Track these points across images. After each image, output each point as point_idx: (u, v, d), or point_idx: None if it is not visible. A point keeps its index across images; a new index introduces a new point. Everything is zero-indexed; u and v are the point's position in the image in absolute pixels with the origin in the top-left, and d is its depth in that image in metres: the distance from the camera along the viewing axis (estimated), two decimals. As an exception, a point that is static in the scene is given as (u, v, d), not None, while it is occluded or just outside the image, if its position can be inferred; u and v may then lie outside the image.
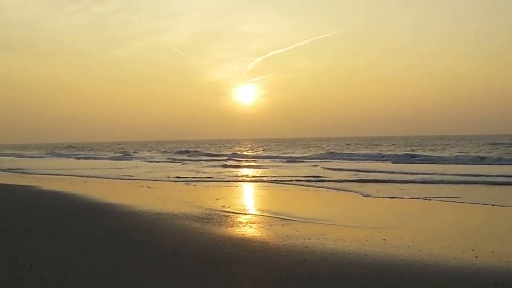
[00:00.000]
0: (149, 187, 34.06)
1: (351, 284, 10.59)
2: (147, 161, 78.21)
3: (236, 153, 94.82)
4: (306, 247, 14.10)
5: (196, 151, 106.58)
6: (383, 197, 25.68)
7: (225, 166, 58.12)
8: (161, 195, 28.98)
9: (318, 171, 45.85)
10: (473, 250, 13.20)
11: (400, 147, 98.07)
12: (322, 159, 68.55)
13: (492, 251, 13.13)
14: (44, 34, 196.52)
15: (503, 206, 21.66)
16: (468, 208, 21.72)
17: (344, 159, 65.27)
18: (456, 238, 15.16)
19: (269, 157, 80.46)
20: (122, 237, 15.98)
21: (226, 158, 79.20)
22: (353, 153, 76.27)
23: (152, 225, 18.46)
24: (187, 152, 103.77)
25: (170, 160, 78.91)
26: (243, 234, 16.51)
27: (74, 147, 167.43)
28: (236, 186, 34.80)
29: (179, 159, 79.36)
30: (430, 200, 24.30)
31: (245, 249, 14.18)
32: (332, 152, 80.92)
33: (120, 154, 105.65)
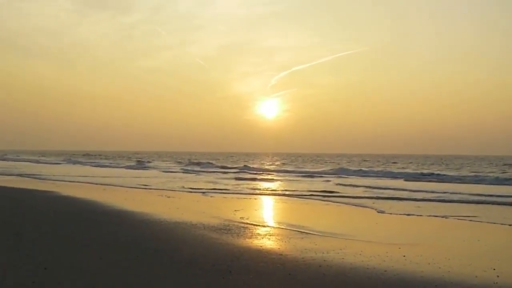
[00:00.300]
0: (168, 197, 34.01)
1: (369, 299, 10.42)
2: (162, 171, 78.26)
3: (247, 166, 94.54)
4: (324, 260, 13.93)
5: (209, 162, 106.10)
6: (399, 214, 25.38)
7: (238, 178, 57.87)
8: (179, 204, 28.91)
9: (331, 186, 45.64)
10: (494, 269, 12.96)
11: (416, 165, 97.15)
12: (334, 174, 68.17)
13: (514, 271, 12.89)
14: (70, 42, 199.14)
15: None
16: (487, 227, 21.41)
17: (353, 175, 64.83)
18: (476, 257, 14.92)
19: (284, 171, 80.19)
20: (138, 245, 15.89)
21: (237, 171, 78.61)
22: (363, 170, 75.68)
23: (169, 234, 18.38)
24: (199, 163, 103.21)
25: (183, 170, 78.59)
26: (261, 246, 16.38)
27: (92, 154, 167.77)
28: (255, 199, 34.65)
29: (194, 170, 79.08)
30: (447, 218, 23.98)
31: (262, 261, 14.04)
32: (342, 168, 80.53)
33: (134, 163, 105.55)
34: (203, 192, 37.70)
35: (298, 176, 65.82)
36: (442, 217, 24.28)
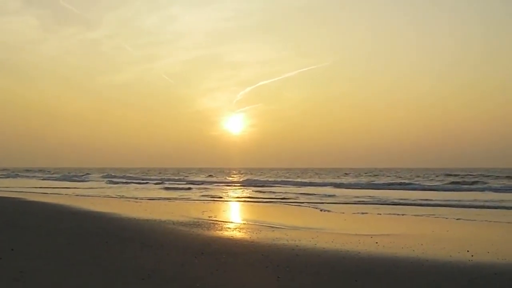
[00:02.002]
0: (136, 201, 33.69)
1: (347, 272, 10.32)
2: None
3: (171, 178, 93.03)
4: (297, 246, 13.82)
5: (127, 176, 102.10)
6: (344, 213, 25.20)
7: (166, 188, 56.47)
8: (147, 207, 28.59)
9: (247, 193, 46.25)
10: (468, 251, 12.97)
11: (366, 177, 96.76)
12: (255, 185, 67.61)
13: (488, 252, 12.90)
14: (35, 58, 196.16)
15: (482, 221, 21.42)
16: (448, 221, 21.31)
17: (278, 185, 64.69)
18: (449, 242, 14.91)
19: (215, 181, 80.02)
20: (108, 233, 15.70)
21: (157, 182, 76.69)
22: (302, 181, 75.67)
23: (139, 227, 18.13)
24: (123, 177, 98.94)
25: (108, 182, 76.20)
26: (232, 236, 16.21)
27: (48, 170, 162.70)
28: (219, 202, 34.40)
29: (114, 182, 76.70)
30: (404, 215, 23.97)
31: (234, 245, 13.89)
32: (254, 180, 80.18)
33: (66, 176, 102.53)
34: (164, 199, 37.36)
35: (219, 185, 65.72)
36: (401, 214, 24.23)
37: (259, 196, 41.11)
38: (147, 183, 72.63)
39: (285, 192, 45.93)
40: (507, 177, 75.02)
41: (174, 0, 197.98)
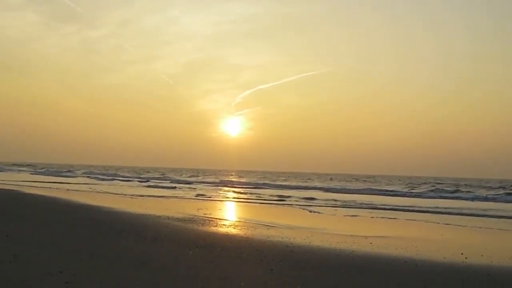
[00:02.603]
0: (132, 197, 33.69)
1: (341, 268, 10.34)
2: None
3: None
4: (291, 243, 13.82)
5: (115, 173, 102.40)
6: (333, 215, 25.26)
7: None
8: (142, 203, 28.59)
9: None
10: (461, 253, 12.97)
11: (359, 182, 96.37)
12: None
13: (481, 255, 12.92)
14: (35, 54, 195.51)
15: (473, 227, 21.42)
16: (439, 226, 21.28)
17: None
18: (443, 245, 14.92)
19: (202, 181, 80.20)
20: (103, 226, 15.66)
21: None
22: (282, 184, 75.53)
23: (133, 221, 18.14)
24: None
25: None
26: (226, 232, 16.23)
27: (21, 164, 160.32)
28: (214, 201, 34.39)
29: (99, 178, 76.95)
30: (396, 219, 23.97)
31: (229, 240, 13.91)
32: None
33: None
34: (163, 197, 37.32)
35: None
36: (393, 218, 24.22)
37: (237, 196, 41.40)
38: (131, 180, 72.71)
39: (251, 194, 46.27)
40: (486, 187, 74.98)
41: (175, 2, 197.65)
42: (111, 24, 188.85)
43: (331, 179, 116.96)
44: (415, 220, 24.04)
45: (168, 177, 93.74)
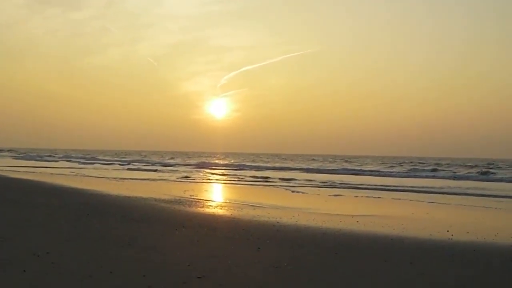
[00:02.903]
0: (116, 180, 33.55)
1: (328, 246, 10.36)
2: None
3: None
4: (278, 222, 13.82)
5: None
6: (315, 194, 25.23)
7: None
8: (128, 185, 28.50)
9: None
10: (448, 231, 13.01)
11: (345, 163, 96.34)
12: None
13: (467, 232, 12.97)
14: (19, 37, 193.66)
15: (458, 205, 21.54)
16: (424, 205, 21.32)
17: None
18: (429, 223, 14.97)
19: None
20: (89, 208, 15.57)
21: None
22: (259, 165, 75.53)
23: (119, 203, 18.09)
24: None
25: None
26: (213, 213, 16.23)
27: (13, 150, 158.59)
28: (199, 183, 34.33)
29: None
30: (380, 198, 24.01)
31: (216, 221, 13.89)
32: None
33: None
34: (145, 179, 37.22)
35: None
36: (376, 197, 24.25)
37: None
38: (112, 163, 72.70)
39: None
40: (464, 165, 75.56)
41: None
42: (96, 6, 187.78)
43: (313, 159, 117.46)
44: (400, 199, 24.08)
45: (150, 160, 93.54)
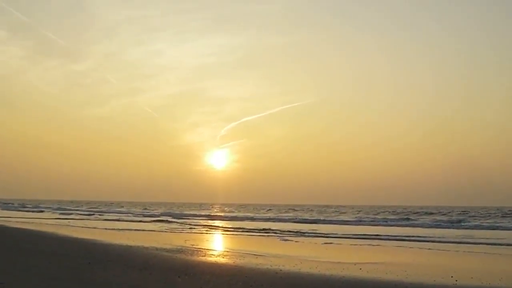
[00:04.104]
0: (119, 230, 33.51)
1: (330, 292, 10.30)
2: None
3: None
4: (281, 270, 13.76)
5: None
6: (305, 242, 25.16)
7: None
8: (129, 235, 28.40)
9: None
10: (452, 276, 12.96)
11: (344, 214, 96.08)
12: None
13: (471, 277, 12.93)
14: (19, 88, 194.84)
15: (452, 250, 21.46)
16: (423, 251, 21.29)
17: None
18: (432, 268, 14.94)
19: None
20: (91, 256, 15.52)
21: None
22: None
23: (121, 252, 17.99)
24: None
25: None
26: (215, 261, 16.17)
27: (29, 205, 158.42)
28: (201, 233, 34.20)
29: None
30: (377, 245, 23.96)
31: (218, 268, 13.85)
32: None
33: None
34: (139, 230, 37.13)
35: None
36: (375, 245, 24.19)
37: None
38: (92, 214, 72.62)
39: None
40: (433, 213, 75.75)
41: (159, 35, 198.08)
42: (95, 57, 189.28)
43: (311, 209, 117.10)
44: (399, 246, 24.05)
45: (150, 211, 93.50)
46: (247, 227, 43.08)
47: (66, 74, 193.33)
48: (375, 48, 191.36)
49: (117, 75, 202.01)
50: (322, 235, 33.34)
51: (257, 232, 36.33)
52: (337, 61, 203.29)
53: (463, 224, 50.80)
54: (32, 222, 42.32)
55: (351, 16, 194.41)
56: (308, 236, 32.50)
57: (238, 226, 45.08)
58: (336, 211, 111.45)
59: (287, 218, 70.11)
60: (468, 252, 22.14)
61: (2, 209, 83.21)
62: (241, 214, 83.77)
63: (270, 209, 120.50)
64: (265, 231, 37.57)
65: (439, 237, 31.78)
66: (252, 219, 65.94)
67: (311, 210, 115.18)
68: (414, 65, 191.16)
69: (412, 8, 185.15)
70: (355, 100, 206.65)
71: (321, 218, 67.10)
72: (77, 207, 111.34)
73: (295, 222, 59.89)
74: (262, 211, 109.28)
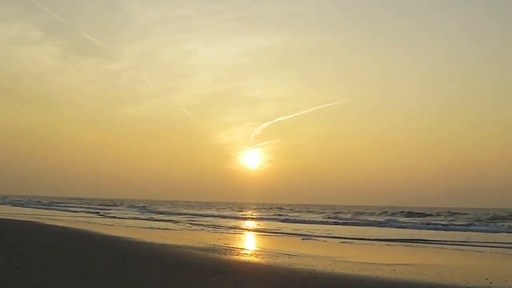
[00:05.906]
0: (152, 228, 33.77)
1: (364, 292, 10.27)
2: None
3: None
4: (314, 270, 13.75)
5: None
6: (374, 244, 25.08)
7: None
8: (162, 234, 28.62)
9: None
10: (486, 279, 12.83)
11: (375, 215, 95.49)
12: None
13: (506, 280, 12.79)
14: (55, 87, 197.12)
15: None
16: (457, 253, 21.08)
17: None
18: (467, 271, 14.79)
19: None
20: (125, 254, 15.68)
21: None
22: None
23: (155, 249, 18.17)
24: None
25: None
26: (248, 260, 16.21)
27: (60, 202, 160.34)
28: (235, 233, 34.27)
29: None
30: (412, 246, 23.75)
31: (252, 268, 13.88)
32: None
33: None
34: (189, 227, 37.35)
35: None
36: (408, 245, 24.06)
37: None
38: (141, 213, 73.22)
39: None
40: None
41: (193, 35, 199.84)
42: (130, 57, 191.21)
43: (341, 211, 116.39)
44: (432, 248, 23.87)
45: (181, 210, 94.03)
46: (282, 228, 43.05)
47: (101, 73, 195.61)
48: (411, 48, 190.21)
49: (152, 74, 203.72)
50: (355, 237, 33.19)
51: (290, 235, 36.30)
52: (370, 62, 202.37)
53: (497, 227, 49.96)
54: (77, 221, 42.79)
55: (384, 18, 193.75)
56: (339, 238, 32.35)
57: (271, 227, 45.05)
58: (369, 212, 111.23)
59: (322, 220, 69.99)
60: (502, 254, 21.90)
61: (48, 207, 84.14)
62: (272, 215, 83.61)
63: (310, 210, 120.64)
64: (301, 235, 37.58)
65: (471, 240, 31.50)
66: (285, 220, 65.85)
67: (345, 212, 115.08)
68: (440, 66, 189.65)
69: (438, 13, 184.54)
70: (388, 100, 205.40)
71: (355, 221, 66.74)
72: (114, 205, 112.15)
73: (328, 224, 59.75)
74: (297, 212, 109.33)
